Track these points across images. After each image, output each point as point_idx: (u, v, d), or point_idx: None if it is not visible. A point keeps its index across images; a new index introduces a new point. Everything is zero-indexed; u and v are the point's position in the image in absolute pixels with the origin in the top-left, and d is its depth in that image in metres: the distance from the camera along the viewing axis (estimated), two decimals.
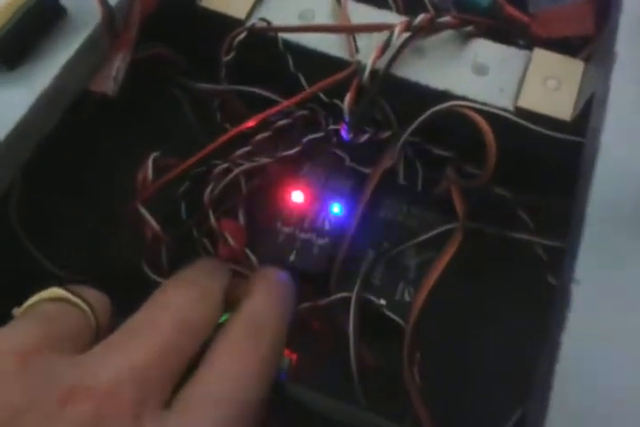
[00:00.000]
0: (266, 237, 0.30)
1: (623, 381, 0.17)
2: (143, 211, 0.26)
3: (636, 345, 0.17)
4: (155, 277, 0.27)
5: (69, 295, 0.20)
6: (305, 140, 0.30)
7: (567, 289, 0.18)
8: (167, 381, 0.18)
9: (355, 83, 0.27)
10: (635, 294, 0.18)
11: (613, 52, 0.25)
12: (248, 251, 0.28)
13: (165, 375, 0.18)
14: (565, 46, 0.32)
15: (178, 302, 0.20)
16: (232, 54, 0.29)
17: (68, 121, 0.26)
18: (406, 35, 0.29)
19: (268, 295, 0.22)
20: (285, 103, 0.28)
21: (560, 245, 0.29)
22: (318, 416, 0.26)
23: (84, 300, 0.20)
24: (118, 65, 0.24)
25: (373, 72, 0.28)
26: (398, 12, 0.33)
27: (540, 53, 0.30)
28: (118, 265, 0.30)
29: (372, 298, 0.29)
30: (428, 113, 0.28)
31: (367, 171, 0.33)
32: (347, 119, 0.28)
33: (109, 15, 0.23)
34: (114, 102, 0.27)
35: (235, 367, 0.19)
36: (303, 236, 0.30)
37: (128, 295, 0.20)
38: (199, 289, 0.21)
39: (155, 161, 0.26)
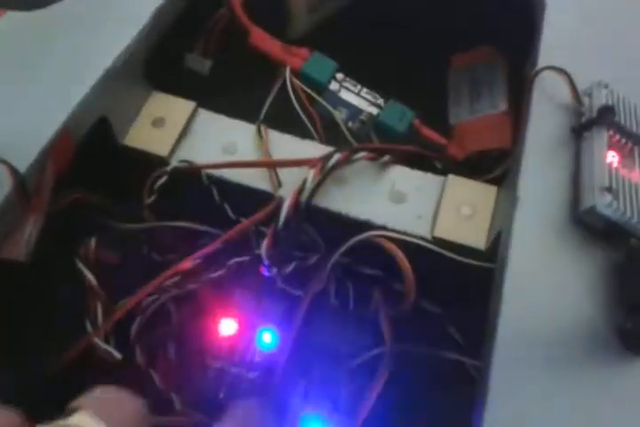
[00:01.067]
0: (194, 374, 0.30)
1: None
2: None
3: None
4: None
5: None
6: (230, 262, 0.30)
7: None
8: None
9: (270, 231, 0.28)
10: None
11: (516, 197, 0.26)
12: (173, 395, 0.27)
13: None
14: (479, 169, 0.34)
15: None
16: (154, 197, 0.29)
17: None
18: (326, 168, 0.30)
19: None
20: (217, 244, 0.28)
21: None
22: None
23: None
24: (30, 229, 0.24)
25: (296, 204, 0.29)
26: (320, 140, 0.34)
27: (453, 180, 0.32)
28: None
29: None
30: (349, 243, 0.29)
31: (299, 293, 0.33)
32: (265, 263, 0.29)
33: (20, 183, 0.23)
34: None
35: None
36: (233, 370, 0.30)
37: None
38: None
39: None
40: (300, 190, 0.28)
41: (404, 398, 0.31)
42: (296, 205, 0.28)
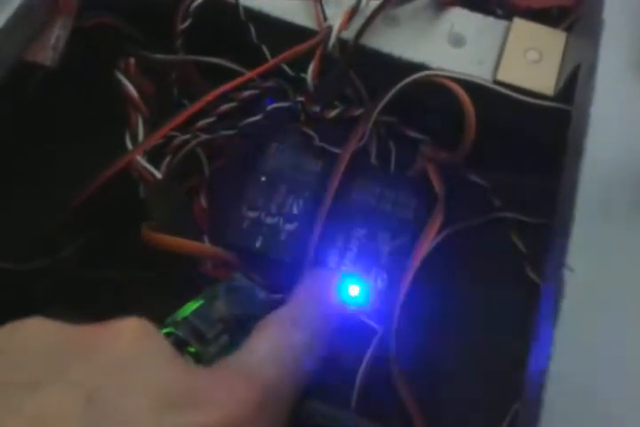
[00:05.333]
0: (229, 222, 0.28)
1: (620, 377, 0.15)
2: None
3: (636, 336, 0.15)
4: None
5: None
6: (270, 107, 0.28)
7: (559, 276, 0.16)
8: None
9: (319, 51, 0.25)
10: (633, 276, 0.16)
11: (601, 20, 0.23)
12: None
13: None
14: (545, 17, 0.31)
15: None
16: (188, 22, 0.26)
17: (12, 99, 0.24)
18: (377, 1, 0.27)
19: (310, 296, 0.22)
20: (248, 75, 0.25)
21: (537, 222, 0.28)
22: None
23: None
24: (58, 33, 0.21)
25: (342, 42, 0.26)
26: None
27: (519, 24, 0.28)
28: None
29: None
30: (401, 84, 0.26)
31: (338, 151, 0.31)
32: (311, 90, 0.26)
33: None
34: (61, 78, 0.25)
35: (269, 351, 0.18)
36: (270, 220, 0.28)
37: None
38: None
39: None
40: (352, 12, 0.25)
41: (449, 265, 0.29)
42: (347, 23, 0.25)
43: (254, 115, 0.28)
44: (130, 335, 0.16)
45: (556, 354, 0.15)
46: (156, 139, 0.24)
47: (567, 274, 0.16)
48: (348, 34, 0.27)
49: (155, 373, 0.15)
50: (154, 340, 0.16)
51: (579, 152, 0.20)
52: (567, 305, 0.15)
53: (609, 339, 0.15)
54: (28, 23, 0.21)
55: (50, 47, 0.21)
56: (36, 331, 0.16)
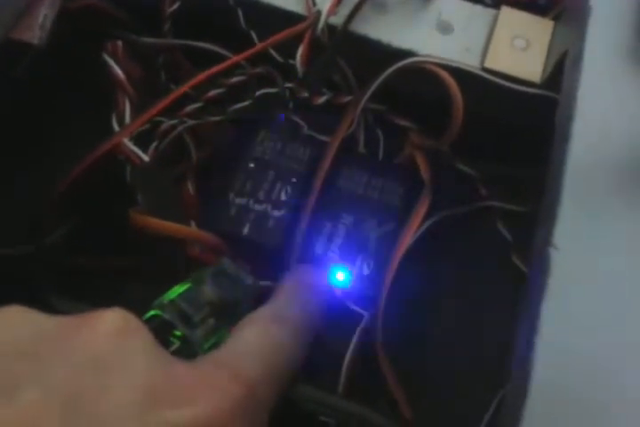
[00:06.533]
0: (217, 208, 0.27)
1: (608, 350, 0.15)
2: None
3: (619, 311, 0.16)
4: None
5: None
6: (258, 93, 0.28)
7: (545, 255, 0.16)
8: None
9: (308, 35, 0.25)
10: (617, 258, 0.16)
11: (588, 6, 0.23)
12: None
13: None
14: (532, 8, 0.31)
15: None
16: (176, 5, 0.26)
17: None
18: None
19: (292, 294, 0.22)
20: (235, 58, 0.25)
21: (523, 210, 0.28)
22: None
23: None
24: (45, 12, 0.21)
25: (331, 28, 0.26)
26: None
27: (507, 12, 0.29)
28: None
29: None
30: (389, 70, 0.26)
31: (326, 139, 0.31)
32: (300, 75, 0.26)
33: None
34: (48, 61, 0.25)
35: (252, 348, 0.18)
36: (258, 207, 0.28)
37: None
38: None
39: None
40: None
41: (435, 252, 0.30)
42: (336, 6, 0.25)
43: (242, 101, 0.28)
44: (111, 329, 0.16)
45: (543, 330, 0.15)
46: (143, 121, 0.24)
47: (553, 252, 0.16)
48: (337, 20, 0.27)
49: (137, 370, 0.15)
50: (136, 333, 0.16)
51: (565, 137, 0.20)
52: (553, 282, 0.15)
53: (595, 315, 0.15)
54: (14, 1, 0.21)
55: (37, 26, 0.21)
56: (16, 322, 0.16)
